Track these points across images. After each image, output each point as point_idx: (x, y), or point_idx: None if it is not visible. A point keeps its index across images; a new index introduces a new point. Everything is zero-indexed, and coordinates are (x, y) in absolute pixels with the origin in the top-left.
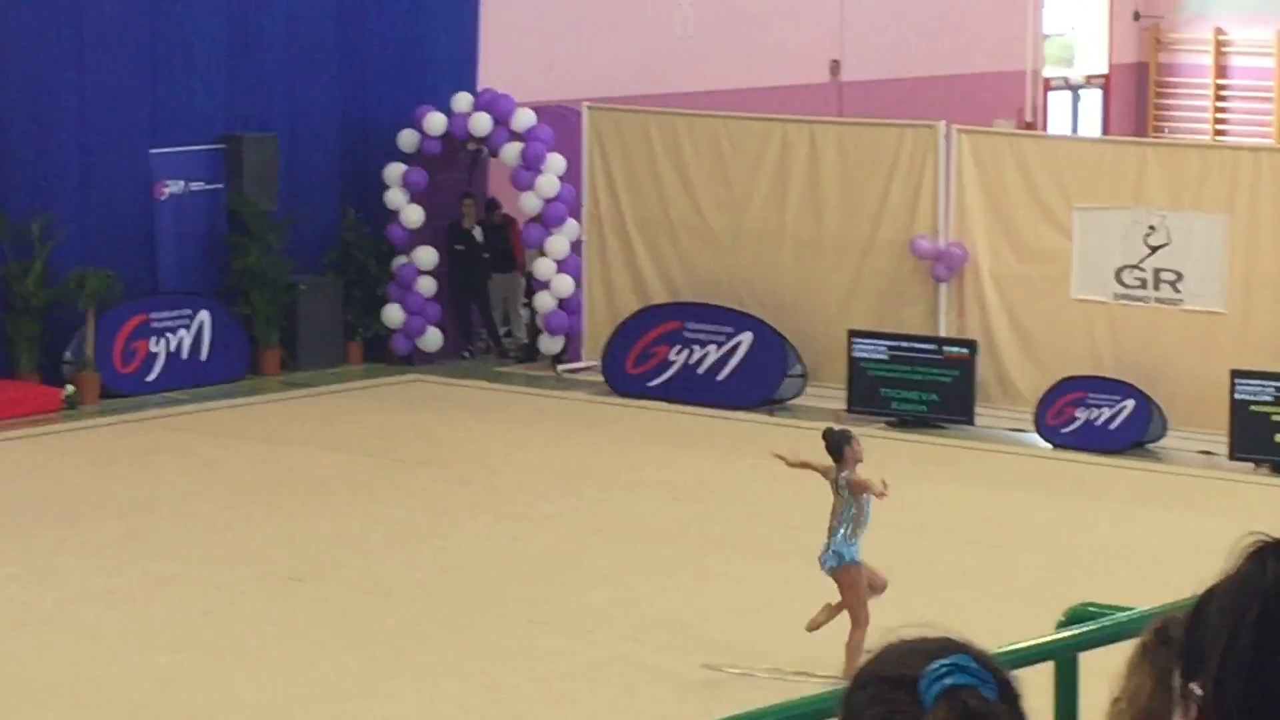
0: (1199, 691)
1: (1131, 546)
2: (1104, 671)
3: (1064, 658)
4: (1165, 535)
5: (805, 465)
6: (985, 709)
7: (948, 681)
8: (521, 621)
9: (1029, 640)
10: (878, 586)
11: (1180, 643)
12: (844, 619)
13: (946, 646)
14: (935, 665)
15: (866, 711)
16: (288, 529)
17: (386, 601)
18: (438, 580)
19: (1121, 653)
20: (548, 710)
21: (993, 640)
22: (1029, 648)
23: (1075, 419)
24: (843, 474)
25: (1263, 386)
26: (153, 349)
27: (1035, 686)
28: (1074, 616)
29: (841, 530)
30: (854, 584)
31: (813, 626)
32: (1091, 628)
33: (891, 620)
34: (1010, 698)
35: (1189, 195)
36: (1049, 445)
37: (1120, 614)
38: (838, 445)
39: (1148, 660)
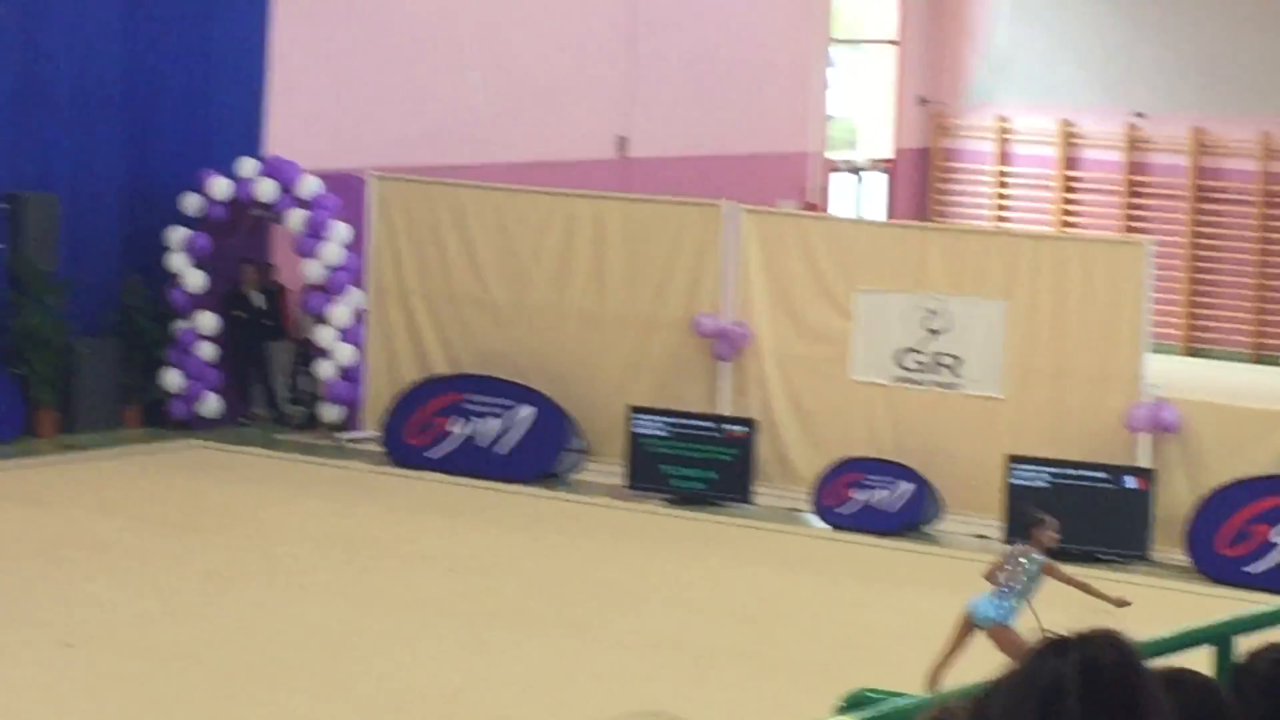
0: None
1: (906, 628)
2: None
3: None
4: (940, 618)
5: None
6: None
7: None
8: (294, 691)
9: None
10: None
11: None
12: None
13: None
14: None
15: None
16: (59, 593)
17: (159, 668)
18: (210, 648)
19: None
20: None
21: None
22: None
23: (852, 500)
24: (1029, 554)
25: (1037, 472)
26: None
27: None
28: (852, 701)
29: (1000, 595)
30: (1006, 642)
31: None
32: (869, 713)
33: (661, 697)
34: None
35: (969, 280)
36: (826, 525)
37: (898, 700)
38: (1025, 525)
39: None
